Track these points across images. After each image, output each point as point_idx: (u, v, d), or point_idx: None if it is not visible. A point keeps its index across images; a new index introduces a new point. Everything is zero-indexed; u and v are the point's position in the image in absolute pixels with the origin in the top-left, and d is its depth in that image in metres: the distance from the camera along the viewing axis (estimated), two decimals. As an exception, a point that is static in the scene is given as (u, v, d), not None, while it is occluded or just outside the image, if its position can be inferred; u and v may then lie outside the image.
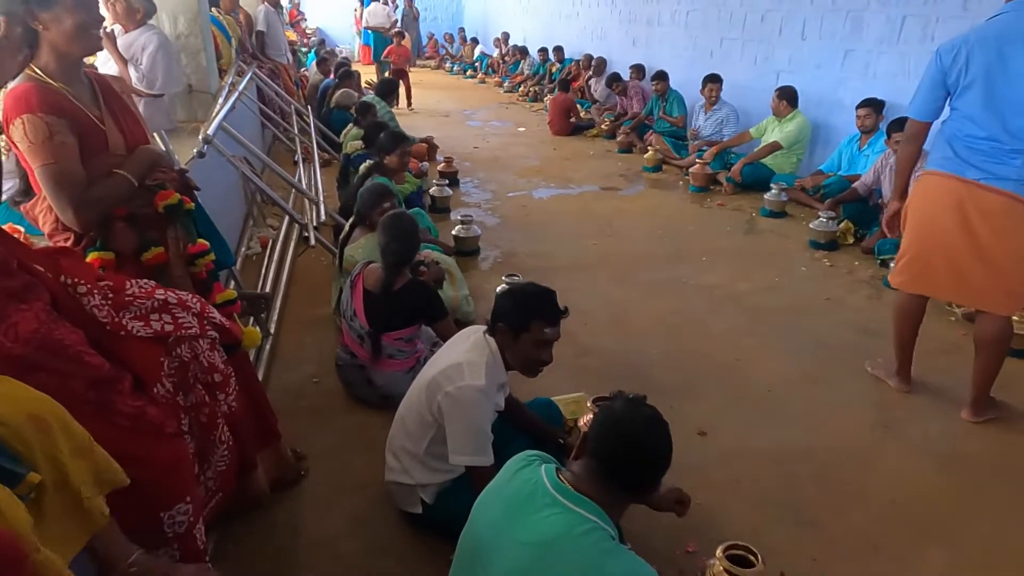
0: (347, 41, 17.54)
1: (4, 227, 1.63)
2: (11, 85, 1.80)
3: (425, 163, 6.22)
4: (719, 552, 1.86)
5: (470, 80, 14.62)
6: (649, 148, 7.03)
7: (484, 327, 2.10)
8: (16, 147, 1.80)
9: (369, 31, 13.03)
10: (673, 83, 7.60)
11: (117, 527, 1.42)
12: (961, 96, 2.44)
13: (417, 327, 2.82)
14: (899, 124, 4.35)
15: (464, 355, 2.01)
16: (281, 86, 7.32)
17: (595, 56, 9.89)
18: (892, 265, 2.78)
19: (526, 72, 12.51)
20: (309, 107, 7.55)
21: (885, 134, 4.64)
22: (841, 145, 5.41)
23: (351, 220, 3.52)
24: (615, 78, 8.57)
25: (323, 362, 3.09)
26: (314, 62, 9.61)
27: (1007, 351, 2.70)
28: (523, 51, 13.10)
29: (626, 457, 1.37)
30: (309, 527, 2.17)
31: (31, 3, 1.72)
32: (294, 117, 6.69)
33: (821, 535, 2.16)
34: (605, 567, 1.27)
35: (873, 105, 5.00)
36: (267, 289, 3.70)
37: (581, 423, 2.45)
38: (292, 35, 12.15)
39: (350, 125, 5.88)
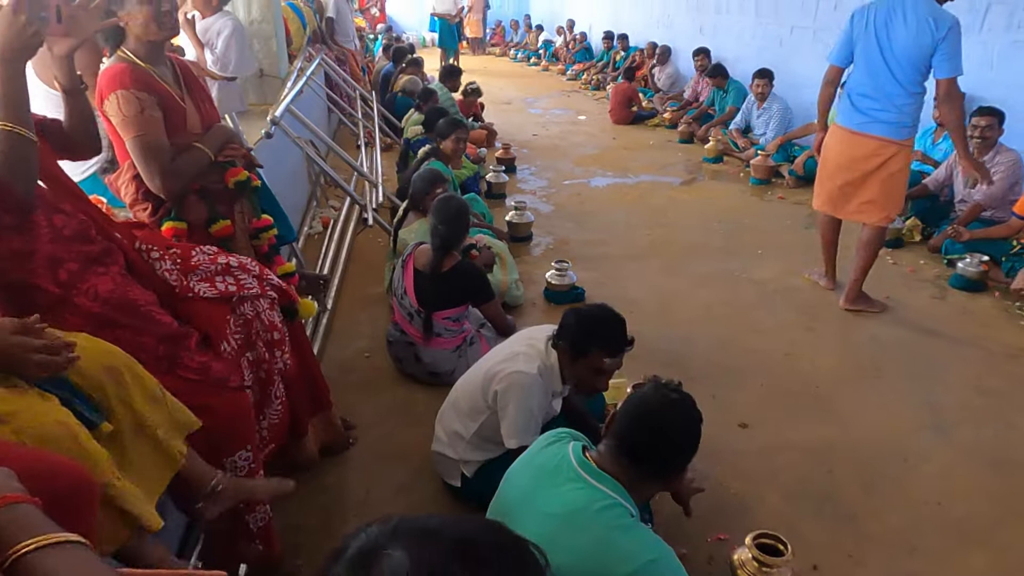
0: (413, 28, 17.77)
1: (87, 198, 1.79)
2: (105, 65, 1.97)
3: (483, 149, 6.30)
4: (749, 540, 1.88)
5: (534, 67, 14.61)
6: (710, 139, 6.90)
7: (553, 332, 2.05)
8: (109, 120, 1.97)
9: (435, 17, 13.15)
10: (738, 74, 7.41)
11: (198, 457, 1.57)
12: (860, 50, 3.20)
13: (464, 308, 2.90)
14: (980, 111, 4.13)
15: (523, 347, 2.07)
16: (348, 72, 7.51)
17: (659, 44, 9.73)
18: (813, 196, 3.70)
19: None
20: (374, 93, 7.73)
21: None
22: (915, 138, 5.16)
23: (405, 204, 3.63)
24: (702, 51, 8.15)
25: (375, 338, 3.22)
26: (380, 49, 9.81)
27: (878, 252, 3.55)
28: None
29: (644, 439, 1.40)
30: (353, 491, 2.30)
31: (112, 5, 1.90)
32: (358, 102, 6.87)
33: (858, 532, 2.14)
34: (620, 541, 1.32)
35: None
36: (326, 268, 3.86)
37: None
38: (361, 21, 12.40)
39: (412, 110, 6.01)
